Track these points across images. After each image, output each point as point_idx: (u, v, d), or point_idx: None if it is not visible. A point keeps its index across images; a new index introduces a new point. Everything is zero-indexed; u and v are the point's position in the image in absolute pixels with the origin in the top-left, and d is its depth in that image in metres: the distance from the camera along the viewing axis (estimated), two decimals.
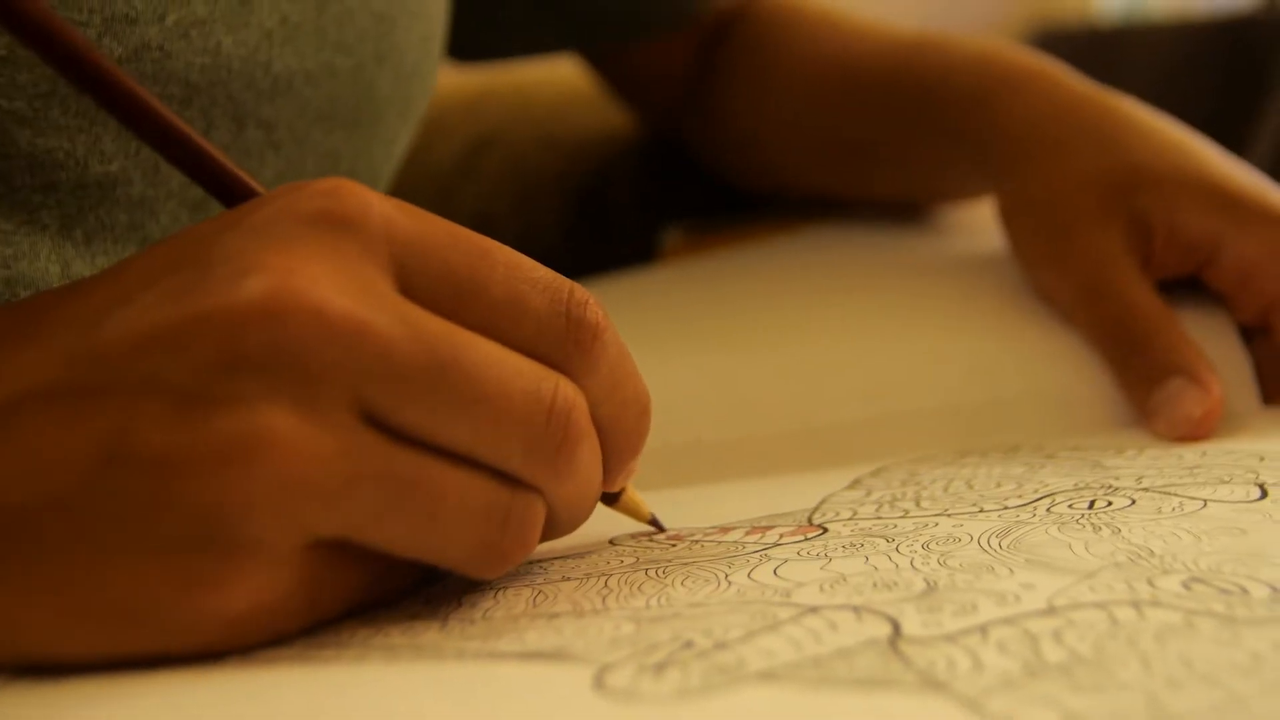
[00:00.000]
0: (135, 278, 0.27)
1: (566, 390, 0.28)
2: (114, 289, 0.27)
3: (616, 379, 0.30)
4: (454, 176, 0.73)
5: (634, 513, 0.34)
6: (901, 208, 0.60)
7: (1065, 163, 0.47)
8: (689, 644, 0.25)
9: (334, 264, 0.26)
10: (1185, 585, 0.26)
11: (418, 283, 0.27)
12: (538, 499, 0.28)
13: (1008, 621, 0.25)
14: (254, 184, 0.30)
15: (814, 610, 0.27)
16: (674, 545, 0.34)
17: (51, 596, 0.25)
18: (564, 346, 0.28)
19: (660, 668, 0.24)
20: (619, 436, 0.30)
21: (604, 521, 0.34)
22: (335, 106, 0.42)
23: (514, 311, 0.28)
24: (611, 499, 0.33)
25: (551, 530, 0.30)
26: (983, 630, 0.25)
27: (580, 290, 0.29)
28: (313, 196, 0.27)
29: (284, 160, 0.41)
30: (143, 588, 0.25)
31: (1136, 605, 0.25)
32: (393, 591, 0.30)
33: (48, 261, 0.36)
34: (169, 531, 0.25)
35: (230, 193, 0.30)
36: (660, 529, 0.35)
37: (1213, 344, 0.44)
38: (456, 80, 0.75)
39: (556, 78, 0.77)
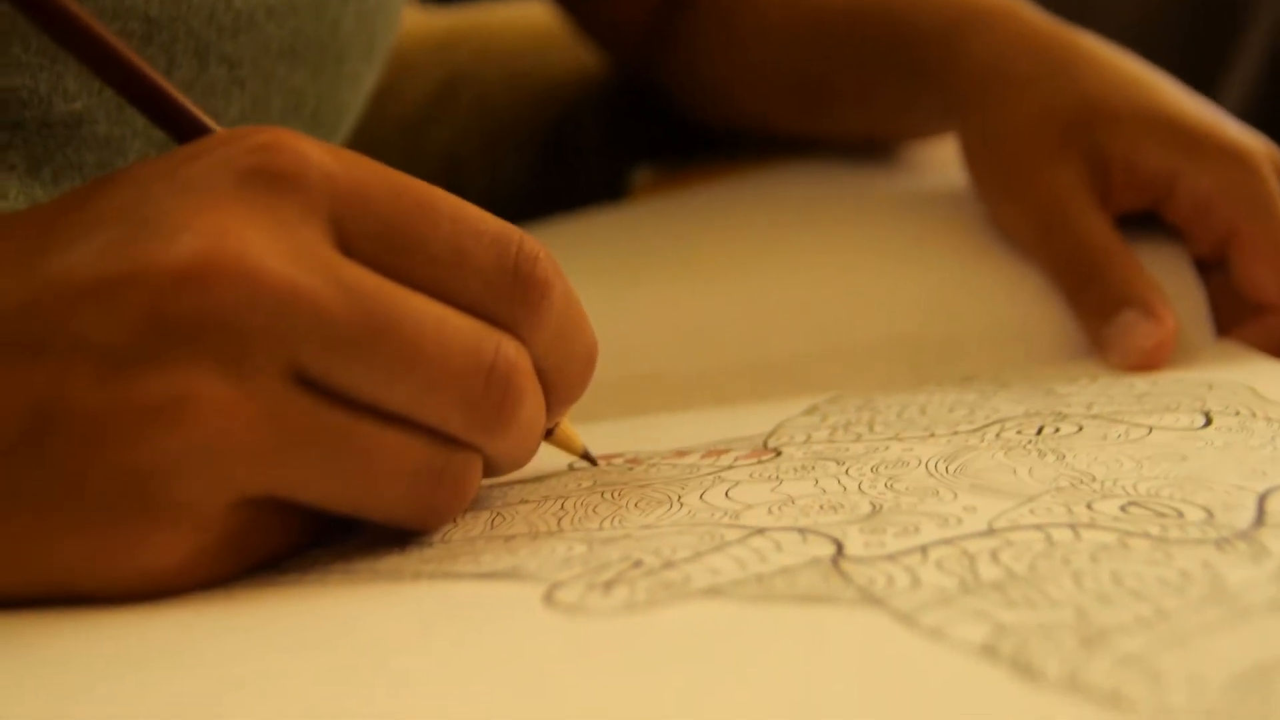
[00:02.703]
0: (71, 223, 0.27)
1: (508, 350, 0.27)
2: (48, 233, 0.27)
3: (563, 333, 0.29)
4: (423, 117, 0.73)
5: (567, 446, 0.34)
6: (866, 145, 0.61)
7: (1025, 99, 0.47)
8: (638, 563, 0.26)
9: (269, 224, 0.26)
10: (1123, 509, 0.27)
11: (357, 239, 0.27)
12: (475, 456, 0.28)
13: (947, 542, 0.26)
14: (211, 124, 0.30)
15: (760, 532, 0.27)
16: (631, 469, 0.34)
17: None
18: (509, 304, 0.28)
19: (609, 585, 0.25)
20: (562, 388, 0.30)
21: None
22: (298, 42, 0.42)
23: (457, 268, 0.27)
24: (546, 434, 0.33)
25: (491, 475, 0.30)
26: (923, 550, 0.25)
27: (530, 243, 0.28)
28: (251, 151, 0.27)
29: (249, 99, 0.41)
30: (68, 547, 0.25)
31: (1074, 527, 0.26)
32: (329, 530, 0.30)
33: (15, 201, 0.36)
34: (94, 493, 0.25)
35: (186, 134, 0.30)
36: (593, 462, 0.35)
37: (1168, 277, 0.44)
38: (425, 21, 0.75)
39: (525, 18, 0.77)
